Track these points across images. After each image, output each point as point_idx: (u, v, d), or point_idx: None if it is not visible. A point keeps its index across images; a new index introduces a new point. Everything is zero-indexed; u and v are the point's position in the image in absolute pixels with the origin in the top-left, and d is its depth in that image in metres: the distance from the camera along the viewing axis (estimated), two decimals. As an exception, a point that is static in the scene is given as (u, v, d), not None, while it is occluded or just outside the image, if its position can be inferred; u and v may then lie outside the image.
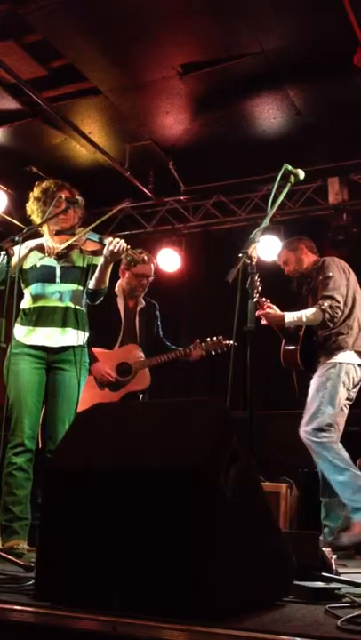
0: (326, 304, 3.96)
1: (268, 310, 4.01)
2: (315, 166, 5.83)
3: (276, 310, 4.04)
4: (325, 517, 3.97)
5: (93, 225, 3.55)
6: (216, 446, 1.82)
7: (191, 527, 1.69)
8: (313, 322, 4.03)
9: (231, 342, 4.47)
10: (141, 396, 4.61)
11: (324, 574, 2.30)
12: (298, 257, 4.32)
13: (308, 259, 4.33)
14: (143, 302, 4.76)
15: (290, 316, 4.01)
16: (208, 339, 4.57)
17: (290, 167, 3.25)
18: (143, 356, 4.56)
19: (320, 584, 2.12)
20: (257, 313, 3.91)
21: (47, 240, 3.63)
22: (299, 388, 4.37)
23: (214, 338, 4.56)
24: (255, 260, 2.96)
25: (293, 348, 4.21)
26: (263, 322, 4.03)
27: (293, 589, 2.03)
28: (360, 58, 4.46)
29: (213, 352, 4.57)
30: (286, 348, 4.26)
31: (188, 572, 1.67)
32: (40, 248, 3.55)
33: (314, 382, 4.06)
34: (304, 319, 4.01)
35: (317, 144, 5.85)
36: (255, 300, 3.73)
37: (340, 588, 2.11)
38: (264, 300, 4.01)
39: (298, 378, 4.42)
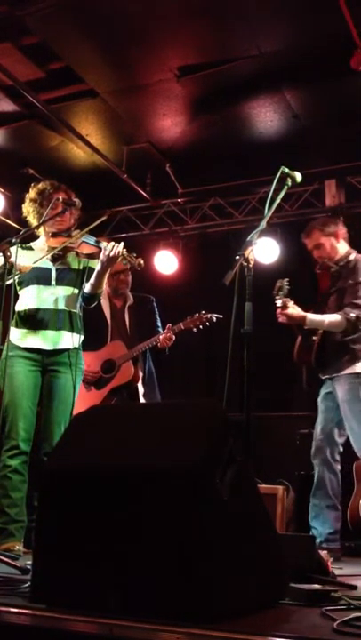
0: (353, 315, 3.88)
1: (290, 310, 3.93)
2: (312, 169, 5.83)
3: (298, 310, 3.96)
4: (314, 519, 3.98)
5: (88, 228, 3.55)
6: (213, 448, 1.82)
7: (187, 529, 1.69)
8: (334, 329, 3.96)
9: (214, 316, 4.42)
10: (142, 391, 4.57)
11: (319, 577, 2.30)
12: (332, 245, 4.15)
13: (342, 249, 4.16)
14: (132, 299, 4.75)
15: (312, 318, 3.96)
16: (188, 317, 4.47)
17: (287, 170, 3.24)
18: (126, 350, 4.54)
19: (316, 586, 2.12)
20: (278, 311, 3.93)
21: (43, 242, 3.64)
22: (308, 380, 4.31)
23: (195, 314, 4.45)
24: (252, 262, 2.96)
25: (310, 345, 4.12)
26: (282, 319, 3.96)
27: (290, 592, 2.03)
28: (357, 61, 4.47)
29: (195, 329, 4.45)
30: (303, 343, 4.17)
31: (185, 574, 1.67)
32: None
33: (343, 395, 3.94)
34: (326, 324, 3.96)
35: (314, 147, 5.86)
36: (280, 299, 3.87)
37: (336, 591, 2.11)
38: (288, 300, 3.94)
39: (308, 373, 4.35)
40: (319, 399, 4.15)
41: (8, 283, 3.34)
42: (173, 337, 4.46)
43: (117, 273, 4.60)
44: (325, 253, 4.17)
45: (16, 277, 3.51)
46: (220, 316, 4.41)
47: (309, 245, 4.23)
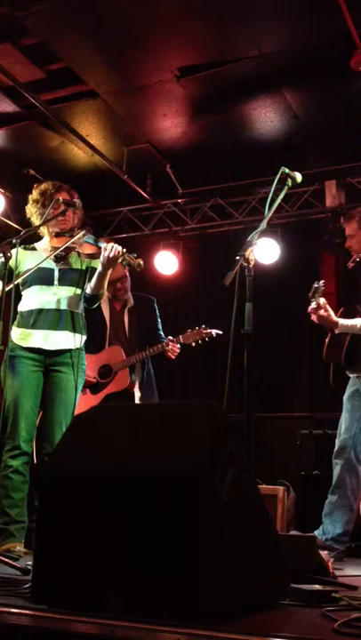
0: None
1: (322, 312, 3.93)
2: (312, 169, 5.84)
3: (331, 314, 3.96)
4: (327, 515, 3.94)
5: (67, 245, 3.49)
6: (213, 449, 1.82)
7: (188, 530, 1.69)
8: None
9: (214, 331, 4.44)
10: (138, 395, 4.57)
11: (320, 577, 2.30)
12: None
13: None
14: (132, 301, 4.73)
15: (343, 324, 3.94)
16: (189, 330, 4.49)
17: (287, 170, 3.24)
18: (124, 356, 4.54)
19: (317, 587, 2.12)
20: (310, 309, 3.93)
21: (46, 243, 3.64)
22: (334, 376, 4.29)
23: (196, 328, 4.47)
24: (252, 262, 2.96)
25: (341, 343, 4.09)
26: (314, 318, 3.98)
27: (290, 592, 2.03)
28: (357, 61, 4.47)
29: (194, 343, 4.48)
30: (333, 341, 4.14)
31: (186, 575, 1.67)
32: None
33: None
34: (358, 328, 3.93)
35: (314, 147, 5.86)
36: (315, 301, 3.90)
37: (336, 591, 2.11)
38: (324, 301, 3.95)
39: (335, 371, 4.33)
40: (345, 397, 4.10)
41: (9, 286, 3.32)
42: (178, 348, 4.47)
43: (114, 282, 4.54)
44: (355, 246, 4.11)
45: (20, 279, 3.50)
46: (221, 333, 4.41)
47: (346, 231, 4.16)
